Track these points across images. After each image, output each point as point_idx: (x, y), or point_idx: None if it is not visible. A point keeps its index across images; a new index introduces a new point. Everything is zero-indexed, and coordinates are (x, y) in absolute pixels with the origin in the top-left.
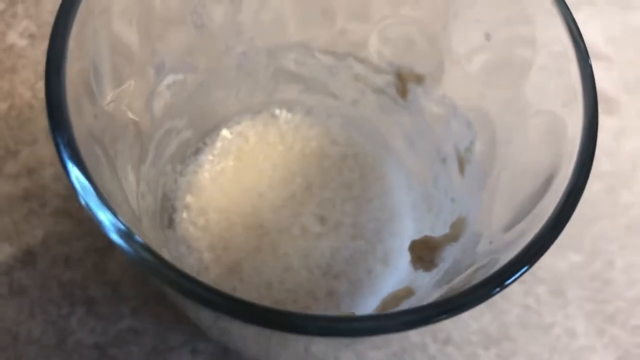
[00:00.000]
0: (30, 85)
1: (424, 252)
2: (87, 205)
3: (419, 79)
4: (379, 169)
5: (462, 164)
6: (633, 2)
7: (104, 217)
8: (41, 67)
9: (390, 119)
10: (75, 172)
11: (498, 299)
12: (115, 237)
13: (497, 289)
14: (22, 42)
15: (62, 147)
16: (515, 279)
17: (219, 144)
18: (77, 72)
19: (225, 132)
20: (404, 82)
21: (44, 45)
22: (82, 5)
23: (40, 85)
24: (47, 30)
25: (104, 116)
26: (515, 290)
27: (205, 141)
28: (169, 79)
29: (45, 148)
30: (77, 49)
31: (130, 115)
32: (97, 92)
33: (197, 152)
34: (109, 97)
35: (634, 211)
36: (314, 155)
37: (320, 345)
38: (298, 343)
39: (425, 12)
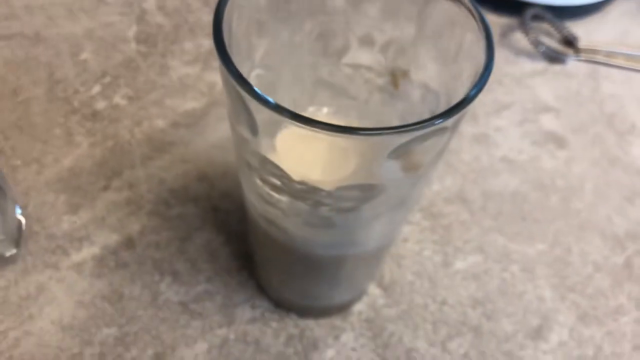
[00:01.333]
0: (129, 130)
1: None
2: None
3: (405, 74)
4: None
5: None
6: (572, 72)
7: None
8: (137, 118)
9: (389, 109)
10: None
11: (481, 274)
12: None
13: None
14: (123, 102)
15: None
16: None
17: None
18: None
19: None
20: (396, 77)
21: (138, 104)
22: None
23: (137, 130)
24: (141, 94)
25: None
26: (494, 268)
27: None
28: (257, 71)
29: (140, 170)
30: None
31: None
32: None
33: None
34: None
35: (583, 214)
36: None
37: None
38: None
39: (407, 29)
